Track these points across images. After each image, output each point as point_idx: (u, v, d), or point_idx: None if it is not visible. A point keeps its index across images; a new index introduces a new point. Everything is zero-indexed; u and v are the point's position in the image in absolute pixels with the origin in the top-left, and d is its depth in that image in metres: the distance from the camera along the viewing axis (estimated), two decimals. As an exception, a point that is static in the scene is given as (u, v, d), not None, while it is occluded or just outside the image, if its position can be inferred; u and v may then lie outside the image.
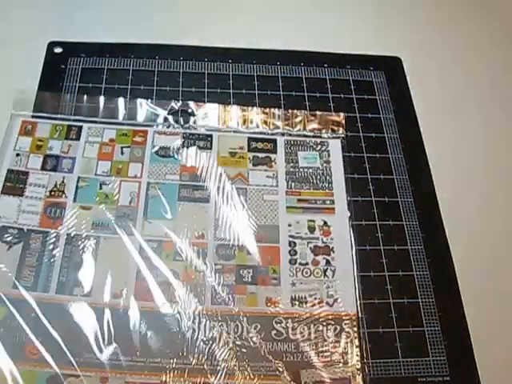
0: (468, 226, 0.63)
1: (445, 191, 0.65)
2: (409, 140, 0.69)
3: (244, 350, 0.52)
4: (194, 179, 0.60)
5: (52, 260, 0.54)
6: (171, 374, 0.50)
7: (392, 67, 0.75)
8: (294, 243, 0.58)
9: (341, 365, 0.53)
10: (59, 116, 0.62)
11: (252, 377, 0.51)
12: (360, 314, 0.55)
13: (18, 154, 0.59)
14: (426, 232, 0.62)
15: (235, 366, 0.51)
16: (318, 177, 0.62)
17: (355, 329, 0.54)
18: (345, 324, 0.55)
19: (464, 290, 0.59)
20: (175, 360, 0.51)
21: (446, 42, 0.80)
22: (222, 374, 0.51)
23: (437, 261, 0.60)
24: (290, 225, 0.59)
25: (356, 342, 0.54)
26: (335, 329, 0.54)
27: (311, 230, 0.59)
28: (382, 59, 0.76)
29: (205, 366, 0.51)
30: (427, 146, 0.68)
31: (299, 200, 0.60)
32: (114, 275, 0.54)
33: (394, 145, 0.68)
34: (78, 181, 0.58)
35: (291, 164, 0.62)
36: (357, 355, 0.53)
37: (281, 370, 0.52)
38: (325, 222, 0.59)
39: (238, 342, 0.52)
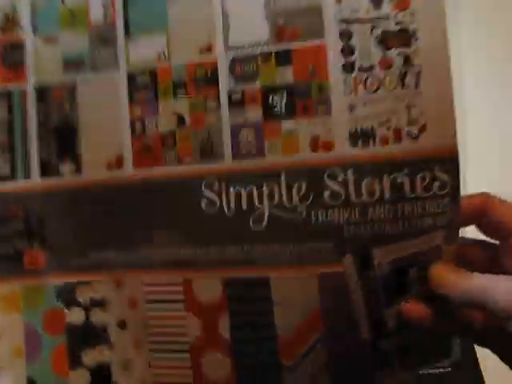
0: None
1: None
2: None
3: (286, 226, 0.41)
4: None
5: (25, 131, 0.47)
6: (195, 270, 0.43)
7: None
8: (349, 34, 0.40)
9: (431, 233, 0.40)
10: None
11: (301, 265, 0.41)
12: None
13: None
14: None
15: (275, 250, 0.42)
16: None
17: (454, 173, 0.39)
18: (438, 169, 0.39)
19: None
20: (198, 250, 0.43)
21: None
22: (258, 264, 0.42)
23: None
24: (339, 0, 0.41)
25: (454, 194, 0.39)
26: (423, 178, 0.39)
27: (376, 1, 0.39)
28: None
29: (235, 255, 0.42)
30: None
31: None
32: (104, 136, 0.45)
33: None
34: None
35: None
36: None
37: (341, 250, 0.41)
38: (399, -18, 0.39)
39: (276, 214, 0.41)
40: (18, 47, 0.47)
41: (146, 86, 0.44)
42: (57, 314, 0.46)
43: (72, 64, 0.46)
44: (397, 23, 0.39)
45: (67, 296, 0.46)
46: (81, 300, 0.46)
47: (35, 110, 0.47)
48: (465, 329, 0.41)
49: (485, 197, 0.41)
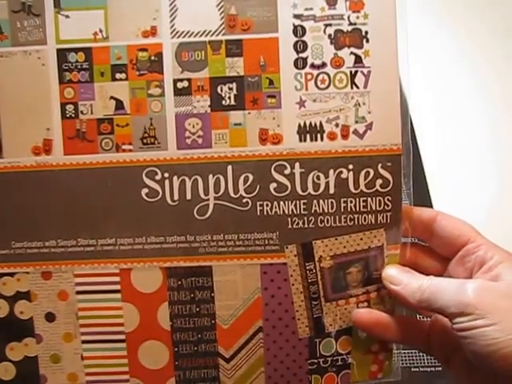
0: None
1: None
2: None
3: (230, 217, 0.43)
4: None
5: None
6: (134, 260, 0.43)
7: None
8: (303, 30, 0.41)
9: (372, 230, 0.43)
10: None
11: (244, 255, 0.43)
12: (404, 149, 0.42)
13: None
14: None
15: (219, 240, 0.43)
16: None
17: (396, 172, 0.42)
18: (382, 167, 0.42)
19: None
20: (136, 239, 0.43)
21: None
22: (201, 254, 0.43)
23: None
24: (295, -5, 0.42)
25: (395, 193, 0.43)
26: (366, 174, 0.42)
27: (331, 1, 0.41)
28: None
29: (177, 245, 0.43)
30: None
31: None
32: (29, 119, 0.43)
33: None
34: None
35: None
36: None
37: (285, 241, 0.43)
38: (354, -16, 0.41)
39: (221, 204, 0.42)
40: None
41: (79, 66, 0.42)
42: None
43: (-14, 33, 0.43)
44: (350, 24, 0.41)
45: (-13, 288, 0.44)
46: (4, 292, 0.44)
47: None
48: (412, 336, 0.44)
49: (435, 212, 0.44)
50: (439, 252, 0.44)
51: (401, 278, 0.42)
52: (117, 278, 0.43)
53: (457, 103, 0.77)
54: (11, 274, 0.44)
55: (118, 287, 0.43)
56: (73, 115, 0.43)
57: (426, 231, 0.44)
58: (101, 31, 0.42)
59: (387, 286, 0.42)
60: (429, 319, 0.45)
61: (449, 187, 0.70)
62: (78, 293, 0.44)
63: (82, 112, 0.42)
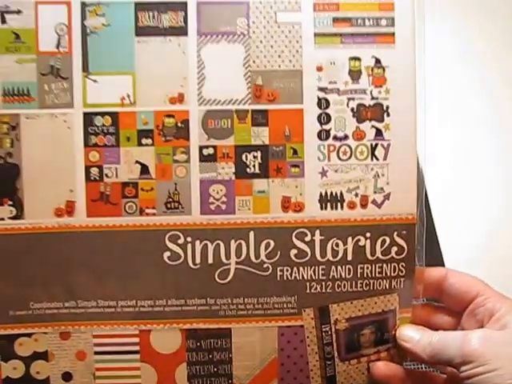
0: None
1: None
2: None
3: (251, 281, 0.44)
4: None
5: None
6: (154, 322, 0.44)
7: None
8: (327, 102, 0.43)
9: (386, 295, 0.45)
10: None
11: (263, 318, 0.44)
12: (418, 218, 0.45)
13: None
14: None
15: (239, 304, 0.44)
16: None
17: (411, 240, 0.45)
18: (397, 235, 0.44)
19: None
20: (156, 301, 0.44)
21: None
22: (221, 316, 0.44)
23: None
24: (319, 68, 0.43)
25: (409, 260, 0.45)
26: (383, 242, 0.44)
27: (355, 75, 0.43)
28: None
29: (198, 307, 0.44)
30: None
31: (336, 20, 0.43)
32: (53, 181, 0.43)
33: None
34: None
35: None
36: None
37: (302, 305, 0.45)
38: (377, 61, 0.43)
39: (242, 269, 0.44)
40: None
41: (105, 130, 0.43)
42: (-7, 368, 0.44)
43: (14, 96, 0.43)
44: (372, 98, 0.43)
45: (4, 349, 0.44)
46: (20, 353, 0.44)
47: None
48: None
49: (443, 270, 0.46)
50: (451, 308, 0.46)
51: (413, 336, 0.44)
52: (136, 339, 0.44)
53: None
54: (28, 335, 0.44)
55: (136, 348, 0.44)
56: (97, 178, 0.43)
57: (436, 291, 0.46)
58: (128, 96, 0.43)
59: (400, 344, 0.44)
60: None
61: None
62: (97, 353, 0.44)
63: (106, 175, 0.43)
